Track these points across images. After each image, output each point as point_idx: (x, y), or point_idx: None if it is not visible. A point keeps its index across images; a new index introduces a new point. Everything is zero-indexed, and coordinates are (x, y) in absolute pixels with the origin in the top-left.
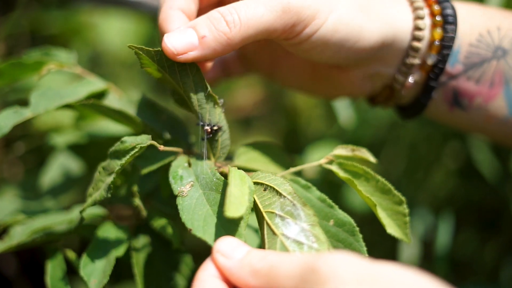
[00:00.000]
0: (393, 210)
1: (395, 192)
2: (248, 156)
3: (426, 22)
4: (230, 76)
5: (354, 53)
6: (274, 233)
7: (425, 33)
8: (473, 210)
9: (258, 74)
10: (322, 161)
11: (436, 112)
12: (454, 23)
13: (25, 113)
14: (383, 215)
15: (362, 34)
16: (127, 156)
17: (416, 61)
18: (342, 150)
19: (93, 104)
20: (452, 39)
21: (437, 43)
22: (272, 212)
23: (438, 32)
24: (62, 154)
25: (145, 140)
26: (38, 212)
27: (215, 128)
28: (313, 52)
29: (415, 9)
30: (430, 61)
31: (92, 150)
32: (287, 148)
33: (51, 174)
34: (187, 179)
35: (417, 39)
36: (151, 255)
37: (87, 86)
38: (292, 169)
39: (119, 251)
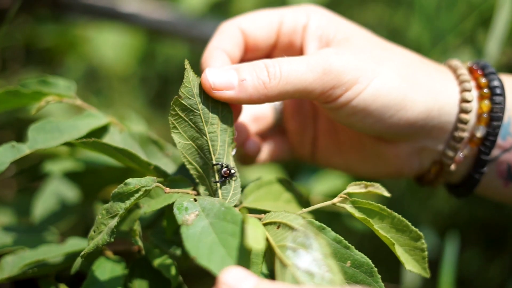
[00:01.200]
0: (410, 246)
1: (412, 228)
2: (256, 195)
3: (474, 94)
4: (273, 159)
5: (397, 123)
6: (284, 265)
7: (473, 105)
8: (477, 227)
9: (301, 156)
10: (336, 200)
11: (490, 188)
12: (503, 94)
13: (23, 149)
14: (400, 252)
15: (405, 103)
16: (131, 199)
17: (465, 134)
18: (355, 187)
19: (95, 142)
20: (502, 110)
21: (485, 115)
22: (284, 245)
23: (486, 104)
24: (57, 180)
25: (150, 182)
26: (30, 242)
27: (233, 172)
28: (354, 118)
29: (462, 82)
30: (479, 134)
31: (88, 178)
32: (288, 164)
33: (45, 201)
34: (192, 210)
35: (465, 111)
36: None
37: (88, 120)
38: (305, 210)
39: None
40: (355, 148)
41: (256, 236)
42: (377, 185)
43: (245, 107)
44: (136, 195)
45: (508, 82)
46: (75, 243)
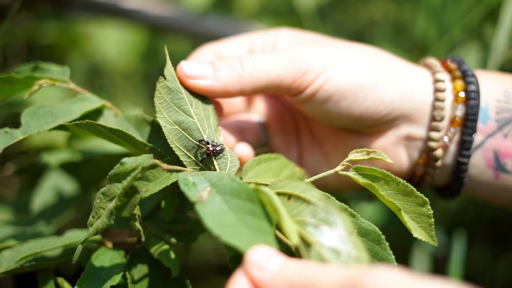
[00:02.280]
0: (416, 213)
1: (417, 193)
2: (255, 171)
3: (446, 77)
4: None
5: (373, 103)
6: (308, 242)
7: (446, 85)
8: (484, 225)
9: None
10: (338, 168)
11: (482, 184)
12: (474, 76)
13: (16, 135)
14: (407, 219)
15: (377, 82)
16: (128, 178)
17: (444, 113)
18: (357, 155)
19: (88, 124)
20: (476, 88)
21: (461, 94)
22: (303, 221)
23: (460, 84)
24: (54, 174)
25: (146, 160)
26: (29, 236)
27: (218, 148)
28: (329, 104)
29: (431, 67)
30: (459, 112)
31: (86, 169)
32: None
33: (43, 195)
34: (201, 185)
35: (439, 90)
36: (149, 284)
37: (81, 103)
38: (307, 180)
39: (114, 280)
40: (340, 153)
41: (291, 231)
42: (379, 151)
43: (231, 121)
44: (133, 174)
45: (479, 72)
46: (73, 235)
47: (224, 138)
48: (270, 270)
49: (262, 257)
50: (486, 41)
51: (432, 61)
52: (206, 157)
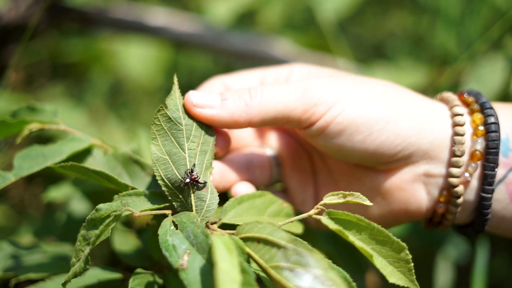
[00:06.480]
0: (394, 258)
1: (394, 239)
2: (236, 211)
3: (464, 110)
4: None
5: (389, 137)
6: None
7: (465, 119)
8: None
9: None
10: (312, 212)
11: (505, 219)
12: (493, 108)
13: (8, 177)
14: (383, 264)
15: (392, 116)
16: (102, 225)
17: (464, 148)
18: (332, 198)
19: (73, 166)
20: (496, 120)
21: (481, 128)
22: (277, 266)
23: (479, 117)
24: (76, 201)
25: (120, 207)
26: (52, 267)
27: (201, 182)
28: (343, 137)
29: (449, 101)
30: (479, 146)
31: (96, 198)
32: None
33: (66, 221)
34: (181, 247)
35: (458, 124)
36: None
37: (71, 143)
38: (282, 223)
39: None
40: (355, 191)
41: (231, 270)
42: (357, 194)
43: (239, 155)
44: (107, 221)
45: (496, 104)
46: (94, 274)
47: (225, 175)
48: None
49: None
50: (509, 53)
51: (449, 95)
52: (185, 187)
